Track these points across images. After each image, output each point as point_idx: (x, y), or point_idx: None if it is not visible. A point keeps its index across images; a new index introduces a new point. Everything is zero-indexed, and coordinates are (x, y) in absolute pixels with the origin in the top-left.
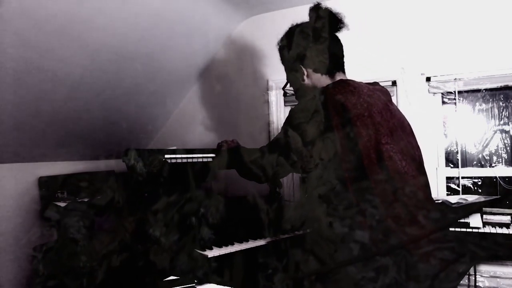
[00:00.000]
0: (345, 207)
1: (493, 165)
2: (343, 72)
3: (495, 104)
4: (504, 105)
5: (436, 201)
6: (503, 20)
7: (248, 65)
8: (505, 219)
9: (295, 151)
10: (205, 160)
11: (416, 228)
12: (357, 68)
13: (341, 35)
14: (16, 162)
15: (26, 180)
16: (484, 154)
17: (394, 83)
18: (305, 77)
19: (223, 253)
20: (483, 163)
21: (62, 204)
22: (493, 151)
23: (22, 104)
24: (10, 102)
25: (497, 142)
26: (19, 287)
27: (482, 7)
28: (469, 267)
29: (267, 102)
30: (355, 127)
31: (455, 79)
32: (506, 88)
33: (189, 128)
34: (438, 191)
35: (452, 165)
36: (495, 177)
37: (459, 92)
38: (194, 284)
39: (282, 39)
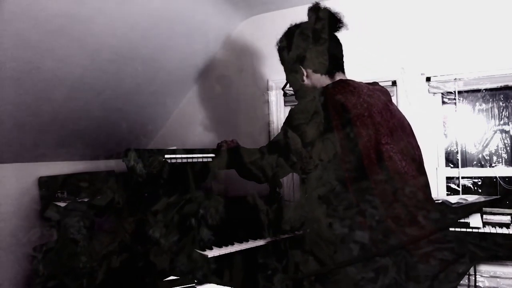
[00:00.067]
0: (345, 207)
1: (493, 165)
2: (343, 72)
3: (495, 104)
4: (504, 105)
5: (436, 201)
6: (503, 20)
7: (248, 65)
8: (505, 219)
9: (295, 152)
10: (205, 160)
11: (416, 229)
12: (357, 68)
13: (341, 35)
14: (16, 162)
15: (26, 180)
16: (484, 154)
17: (394, 83)
18: (304, 77)
19: (223, 253)
20: (483, 163)
21: (62, 204)
22: (493, 151)
23: (22, 104)
24: (10, 102)
25: (497, 142)
26: (19, 287)
27: (482, 7)
28: (469, 267)
29: (267, 102)
30: (355, 127)
31: (455, 79)
32: (506, 88)
33: (189, 128)
34: (438, 191)
35: (452, 165)
36: (495, 177)
37: (459, 92)
38: (194, 284)
39: (281, 40)
